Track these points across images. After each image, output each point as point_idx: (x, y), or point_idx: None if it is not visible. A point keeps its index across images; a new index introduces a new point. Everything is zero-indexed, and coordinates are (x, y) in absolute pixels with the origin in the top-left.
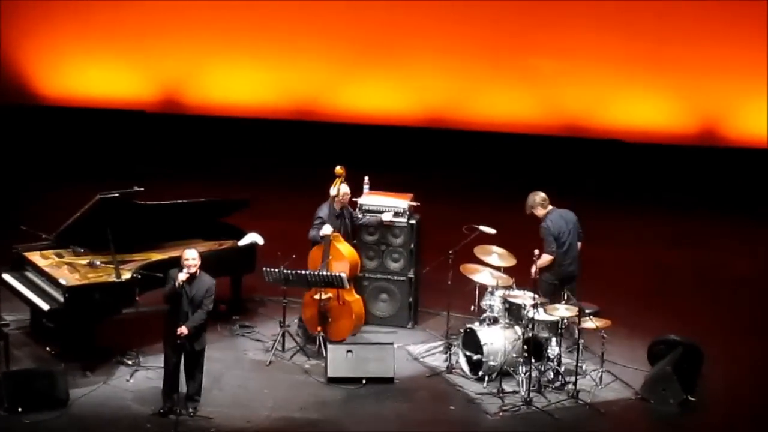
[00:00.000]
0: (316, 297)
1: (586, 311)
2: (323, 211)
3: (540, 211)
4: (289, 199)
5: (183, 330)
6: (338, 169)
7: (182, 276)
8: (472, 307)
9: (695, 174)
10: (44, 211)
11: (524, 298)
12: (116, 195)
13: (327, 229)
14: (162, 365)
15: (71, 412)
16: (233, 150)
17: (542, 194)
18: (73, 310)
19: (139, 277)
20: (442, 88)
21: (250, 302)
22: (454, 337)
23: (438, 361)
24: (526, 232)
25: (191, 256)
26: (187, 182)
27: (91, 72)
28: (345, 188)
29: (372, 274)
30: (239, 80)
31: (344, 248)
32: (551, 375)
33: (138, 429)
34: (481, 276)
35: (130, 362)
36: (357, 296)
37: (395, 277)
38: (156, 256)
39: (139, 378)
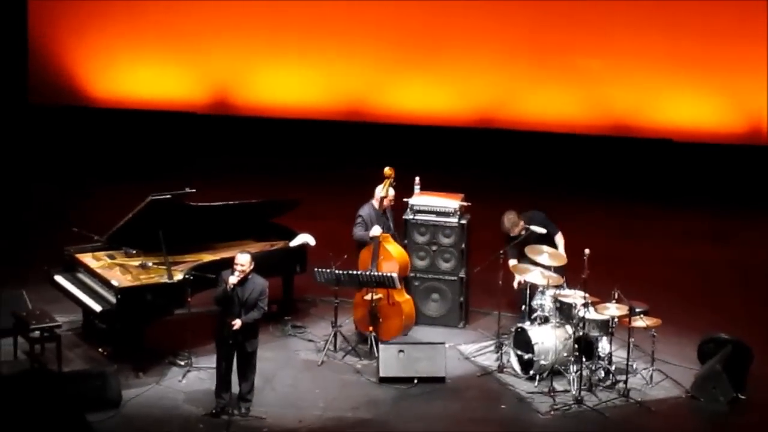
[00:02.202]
0: (367, 297)
1: (636, 310)
2: (364, 210)
3: (522, 225)
4: (338, 199)
5: (237, 322)
6: (387, 170)
7: (233, 279)
8: (523, 307)
9: (743, 173)
10: (96, 212)
11: (575, 297)
12: (168, 196)
13: (376, 231)
14: (214, 366)
15: (124, 413)
16: (283, 151)
17: (514, 212)
18: (125, 311)
19: (191, 278)
20: (490, 89)
21: (301, 302)
22: (505, 336)
23: (489, 360)
24: (575, 232)
25: (241, 261)
26: (238, 183)
27: (141, 74)
28: (392, 191)
29: (423, 274)
30: (288, 81)
31: (393, 249)
32: (602, 374)
33: (190, 429)
34: (532, 275)
35: (182, 363)
36: (407, 296)
37: (446, 277)
38: (208, 257)
39: (191, 378)
